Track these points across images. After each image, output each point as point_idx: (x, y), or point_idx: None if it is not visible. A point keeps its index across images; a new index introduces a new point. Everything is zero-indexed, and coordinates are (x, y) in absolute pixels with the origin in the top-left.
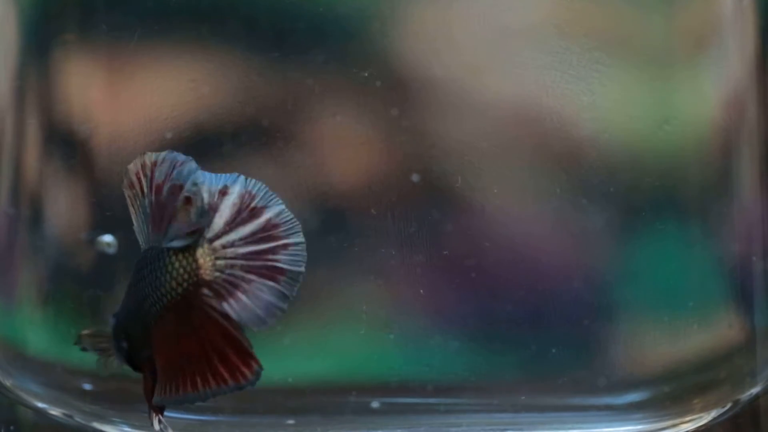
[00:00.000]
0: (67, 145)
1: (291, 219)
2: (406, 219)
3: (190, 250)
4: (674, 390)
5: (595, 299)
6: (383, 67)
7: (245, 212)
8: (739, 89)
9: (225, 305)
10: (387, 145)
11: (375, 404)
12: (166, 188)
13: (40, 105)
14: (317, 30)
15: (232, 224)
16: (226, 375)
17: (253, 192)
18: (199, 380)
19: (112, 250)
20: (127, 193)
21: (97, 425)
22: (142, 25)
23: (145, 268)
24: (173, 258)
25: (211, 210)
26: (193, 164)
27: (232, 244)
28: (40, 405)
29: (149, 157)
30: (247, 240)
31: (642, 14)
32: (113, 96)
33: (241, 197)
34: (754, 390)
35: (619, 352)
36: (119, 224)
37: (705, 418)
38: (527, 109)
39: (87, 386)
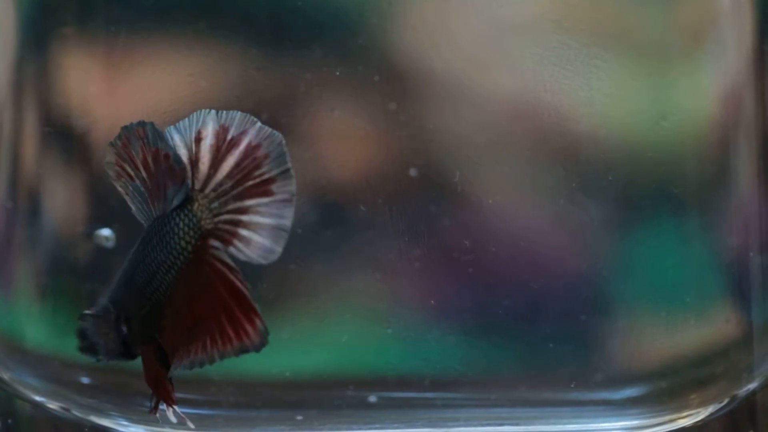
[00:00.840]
0: (65, 138)
1: (271, 132)
2: (403, 213)
3: (187, 206)
4: (671, 385)
5: (593, 294)
6: (381, 62)
7: (224, 147)
8: (736, 84)
9: (232, 249)
10: (385, 140)
11: (372, 398)
12: (150, 160)
13: (39, 99)
14: (315, 24)
15: (215, 165)
16: (231, 334)
17: (227, 124)
18: (208, 341)
19: (110, 244)
20: (118, 185)
21: (94, 419)
22: (140, 19)
23: (153, 238)
24: (177, 219)
25: (193, 162)
26: (150, 125)
27: (221, 184)
28: (38, 398)
29: (116, 142)
30: (232, 173)
31: (640, 9)
32: (111, 90)
33: (216, 135)
34: (752, 385)
35: (616, 347)
36: (117, 218)
37: (702, 414)
38: (525, 104)
39: (85, 380)
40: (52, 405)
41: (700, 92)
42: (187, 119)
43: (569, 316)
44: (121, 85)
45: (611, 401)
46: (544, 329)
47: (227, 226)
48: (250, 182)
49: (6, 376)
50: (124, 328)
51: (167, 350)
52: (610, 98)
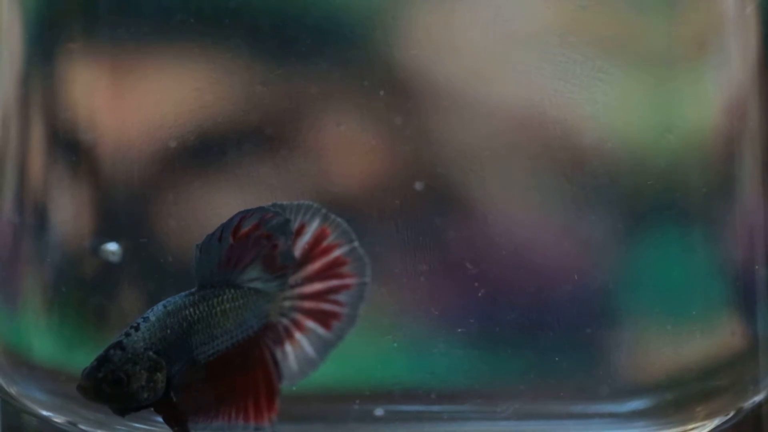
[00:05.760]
0: (71, 152)
1: (360, 257)
2: (409, 226)
3: (269, 293)
4: (677, 398)
5: (598, 306)
6: (387, 75)
7: (316, 251)
8: (741, 94)
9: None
10: (390, 153)
11: (379, 412)
12: (252, 236)
13: (45, 113)
14: (321, 38)
15: (301, 263)
16: (251, 414)
17: (329, 229)
18: (233, 413)
19: (116, 258)
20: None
21: None
22: (146, 33)
23: (223, 305)
24: (255, 297)
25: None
26: (280, 218)
27: (299, 285)
28: (45, 413)
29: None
30: (312, 278)
31: (644, 22)
32: (117, 104)
33: (316, 236)
34: (757, 398)
35: (622, 360)
36: (124, 232)
37: (708, 426)
38: (530, 117)
39: None
40: (59, 419)
41: (704, 103)
42: (296, 203)
43: (575, 329)
44: (127, 99)
45: (617, 414)
46: (550, 342)
47: (282, 330)
48: (324, 305)
49: (13, 391)
50: (163, 378)
51: (188, 407)
52: (615, 111)
